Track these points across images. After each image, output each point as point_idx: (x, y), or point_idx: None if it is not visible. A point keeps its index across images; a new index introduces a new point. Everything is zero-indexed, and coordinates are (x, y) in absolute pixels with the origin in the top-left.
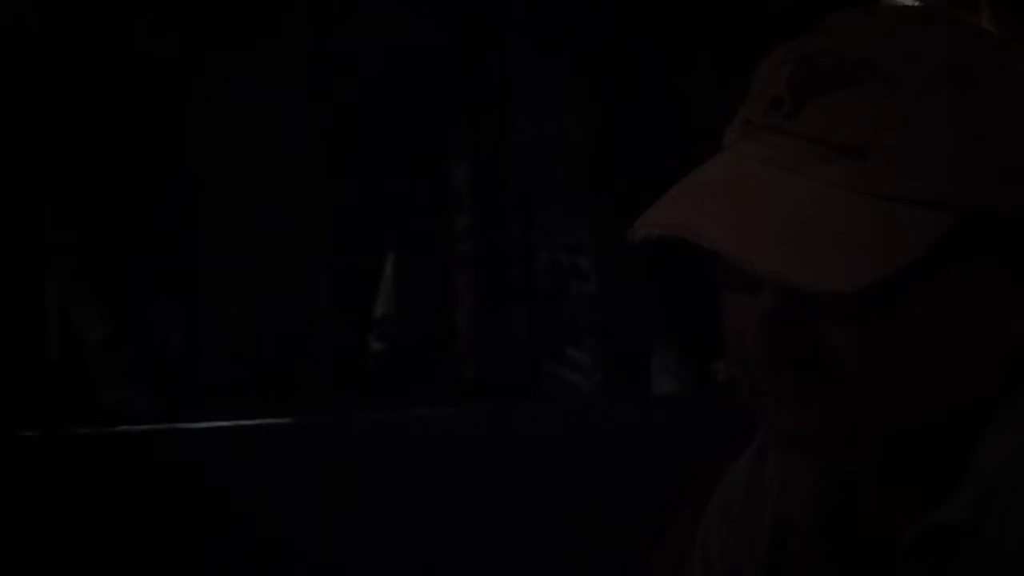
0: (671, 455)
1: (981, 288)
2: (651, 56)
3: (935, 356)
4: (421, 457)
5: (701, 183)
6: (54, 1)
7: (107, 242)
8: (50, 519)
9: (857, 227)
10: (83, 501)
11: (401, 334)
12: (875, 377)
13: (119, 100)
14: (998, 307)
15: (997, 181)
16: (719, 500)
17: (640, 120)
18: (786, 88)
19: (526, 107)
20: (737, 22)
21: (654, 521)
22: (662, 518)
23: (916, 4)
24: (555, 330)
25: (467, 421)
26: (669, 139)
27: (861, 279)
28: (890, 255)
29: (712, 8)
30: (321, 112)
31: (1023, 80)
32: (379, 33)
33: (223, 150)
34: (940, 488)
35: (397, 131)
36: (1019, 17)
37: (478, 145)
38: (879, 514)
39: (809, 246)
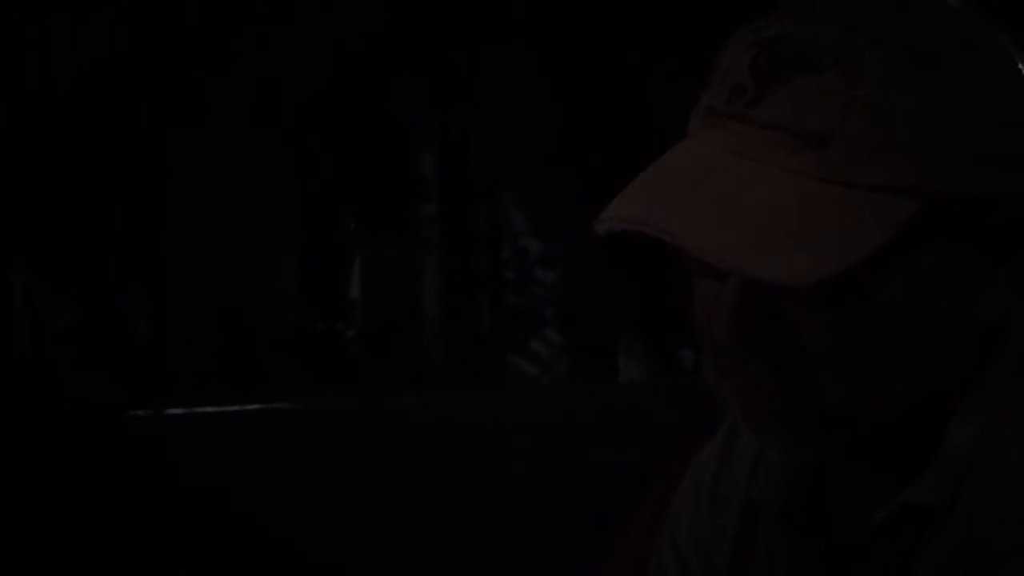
0: (639, 442)
1: (953, 270)
2: (616, 45)
3: (906, 339)
4: (389, 445)
5: (664, 174)
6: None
7: (71, 231)
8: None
9: (822, 217)
10: (50, 487)
11: (367, 321)
12: (845, 361)
13: (81, 92)
14: (971, 288)
15: (966, 164)
16: (688, 486)
17: (606, 108)
18: (748, 74)
19: (493, 93)
20: (700, 11)
21: (621, 509)
22: (629, 506)
23: None
24: (520, 319)
25: (434, 408)
26: (635, 127)
27: (826, 271)
28: (855, 244)
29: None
30: (286, 100)
31: (993, 59)
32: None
33: (188, 138)
34: (911, 468)
35: (363, 117)
36: None
37: (445, 131)
38: (850, 495)
39: (773, 239)
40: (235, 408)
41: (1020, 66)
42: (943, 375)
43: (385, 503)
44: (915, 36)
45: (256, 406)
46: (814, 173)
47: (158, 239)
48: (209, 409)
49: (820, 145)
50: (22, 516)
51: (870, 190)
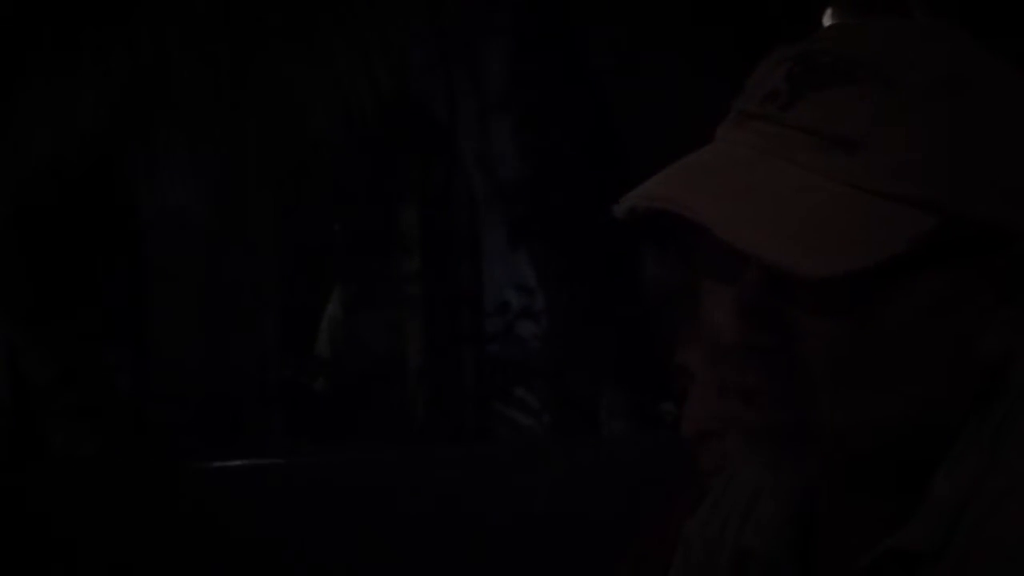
0: (621, 495)
1: (959, 300)
2: (598, 99)
3: (906, 363)
4: (370, 499)
5: (692, 164)
6: None
7: (54, 285)
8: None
9: (842, 217)
10: (34, 541)
11: (350, 376)
12: (843, 377)
13: (63, 155)
14: (974, 322)
15: (985, 191)
16: (679, 550)
17: (587, 162)
18: (784, 81)
19: (474, 149)
20: (684, 64)
21: (603, 562)
22: (611, 559)
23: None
24: (505, 371)
25: (416, 463)
26: (615, 181)
27: (839, 266)
28: (871, 248)
29: (657, 51)
30: (269, 157)
31: (1014, 94)
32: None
33: (172, 194)
34: (899, 515)
35: (345, 173)
36: (949, 19)
37: (426, 187)
38: (837, 542)
39: (792, 230)
40: (217, 464)
41: None
42: (937, 408)
43: (364, 560)
44: (946, 64)
45: (238, 462)
46: (840, 176)
47: (142, 294)
48: (192, 463)
49: (849, 150)
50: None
51: (891, 199)
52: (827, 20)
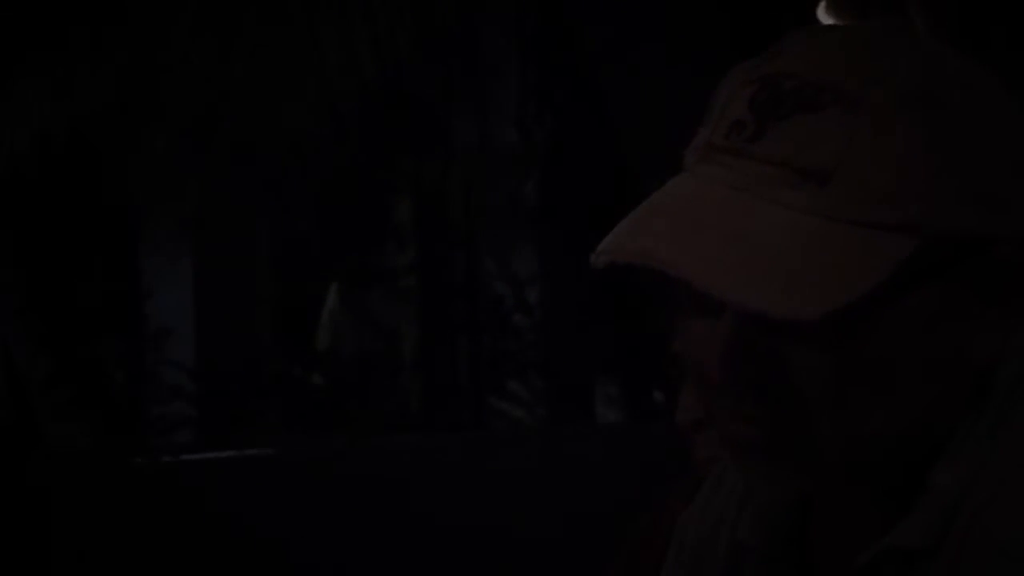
0: (616, 485)
1: (947, 311)
2: (597, 92)
3: (898, 378)
4: (365, 490)
5: (663, 207)
6: None
7: (48, 279)
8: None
9: (821, 253)
10: (29, 536)
11: (345, 368)
12: (836, 397)
13: (54, 138)
14: (963, 329)
15: (963, 204)
16: (673, 543)
17: (585, 152)
18: (748, 110)
19: (470, 140)
20: (679, 60)
21: (598, 552)
22: (606, 549)
23: (886, 21)
24: (499, 363)
25: (411, 453)
26: (614, 172)
27: (825, 307)
28: (855, 281)
29: (655, 49)
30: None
31: (988, 102)
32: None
33: (166, 186)
34: (895, 511)
35: (342, 164)
36: (947, 21)
37: (421, 178)
38: (833, 538)
39: (773, 274)
40: (212, 456)
41: (1013, 107)
42: (932, 415)
43: (362, 550)
44: (915, 76)
45: (232, 453)
46: (814, 209)
47: (137, 288)
48: (186, 457)
49: (820, 182)
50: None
51: (870, 227)
52: (822, 16)
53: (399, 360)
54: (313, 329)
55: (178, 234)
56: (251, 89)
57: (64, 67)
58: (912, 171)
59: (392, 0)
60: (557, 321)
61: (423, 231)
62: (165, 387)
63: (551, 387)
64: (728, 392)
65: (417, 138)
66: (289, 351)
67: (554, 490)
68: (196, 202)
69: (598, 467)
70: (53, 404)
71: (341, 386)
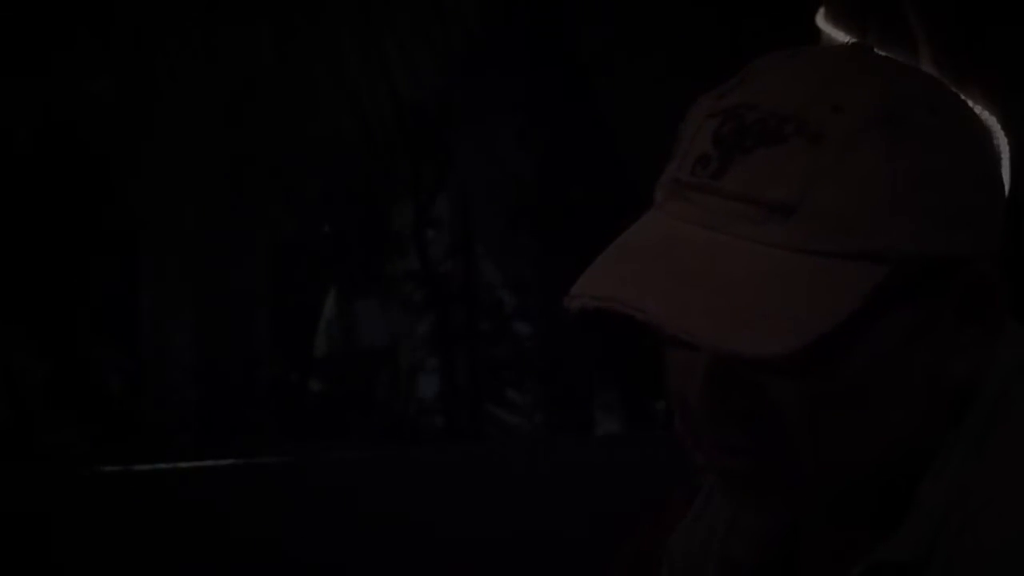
0: (614, 493)
1: (923, 330)
2: (592, 96)
3: (878, 401)
4: (363, 498)
5: (632, 248)
6: None
7: (46, 284)
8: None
9: (791, 287)
10: (25, 542)
11: (342, 375)
12: (817, 424)
13: (53, 143)
14: (940, 348)
15: (930, 227)
16: (665, 558)
17: (582, 160)
18: (712, 145)
19: (468, 146)
20: (672, 61)
21: (598, 562)
22: (604, 558)
23: (847, 44)
24: (497, 370)
25: (409, 462)
26: (610, 179)
27: (797, 342)
28: (825, 314)
29: (648, 47)
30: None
31: (955, 122)
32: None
33: (165, 191)
34: (885, 526)
35: (341, 171)
36: (958, 58)
37: (419, 185)
38: (822, 554)
39: (743, 313)
40: (209, 464)
41: (983, 127)
42: (915, 434)
43: (359, 559)
44: (878, 100)
45: (231, 461)
46: (781, 243)
47: (135, 293)
48: (183, 465)
49: (786, 215)
50: None
51: (837, 258)
52: (820, 22)
53: (397, 367)
54: (311, 336)
55: (177, 240)
56: (259, 96)
57: (69, 63)
58: (877, 199)
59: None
60: (556, 328)
61: (421, 236)
62: (163, 393)
63: (549, 394)
64: (710, 421)
65: (416, 143)
66: (287, 358)
67: (553, 500)
68: (196, 209)
69: (597, 476)
70: (50, 410)
71: (339, 393)
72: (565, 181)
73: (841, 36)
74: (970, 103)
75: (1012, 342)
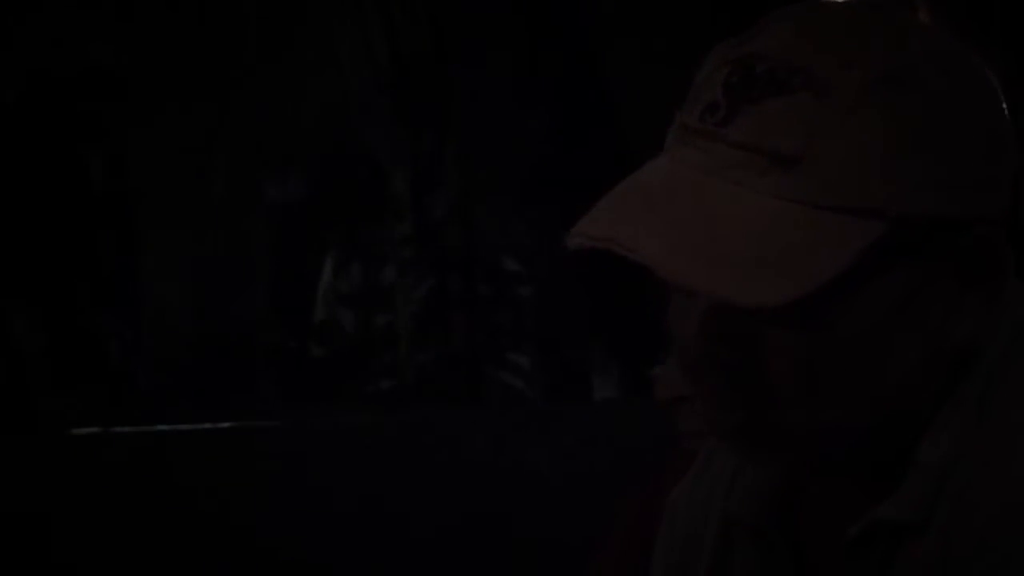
0: (612, 459)
1: (922, 292)
2: (593, 62)
3: (875, 359)
4: (362, 463)
5: (634, 192)
6: None
7: (45, 253)
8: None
9: (788, 238)
10: (24, 510)
11: (342, 339)
12: (810, 384)
13: (51, 111)
14: (942, 309)
15: (933, 187)
16: (664, 519)
17: (582, 123)
18: (721, 93)
19: (468, 110)
20: (676, 34)
21: (596, 526)
22: (603, 523)
23: (865, 1)
24: (497, 335)
25: (408, 427)
26: (611, 142)
27: (790, 293)
28: (822, 266)
29: (652, 19)
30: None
31: (966, 83)
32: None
33: (161, 156)
34: (884, 486)
35: (338, 136)
36: (957, 16)
37: (418, 149)
38: (823, 512)
39: (739, 261)
40: (207, 426)
41: (992, 88)
42: (912, 396)
43: (360, 521)
44: (888, 59)
45: (229, 424)
46: (783, 194)
47: (133, 258)
48: (182, 427)
49: (789, 166)
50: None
51: (838, 212)
52: None
53: (396, 332)
54: (310, 301)
55: (175, 206)
56: (256, 62)
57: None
58: (881, 155)
59: None
60: (555, 293)
61: (420, 201)
62: (161, 358)
63: (549, 360)
64: (706, 373)
65: (414, 108)
66: (285, 323)
67: (551, 465)
68: (194, 178)
69: (595, 442)
70: (48, 376)
71: (338, 358)
72: (568, 144)
73: None
74: (984, 67)
75: (1014, 303)
